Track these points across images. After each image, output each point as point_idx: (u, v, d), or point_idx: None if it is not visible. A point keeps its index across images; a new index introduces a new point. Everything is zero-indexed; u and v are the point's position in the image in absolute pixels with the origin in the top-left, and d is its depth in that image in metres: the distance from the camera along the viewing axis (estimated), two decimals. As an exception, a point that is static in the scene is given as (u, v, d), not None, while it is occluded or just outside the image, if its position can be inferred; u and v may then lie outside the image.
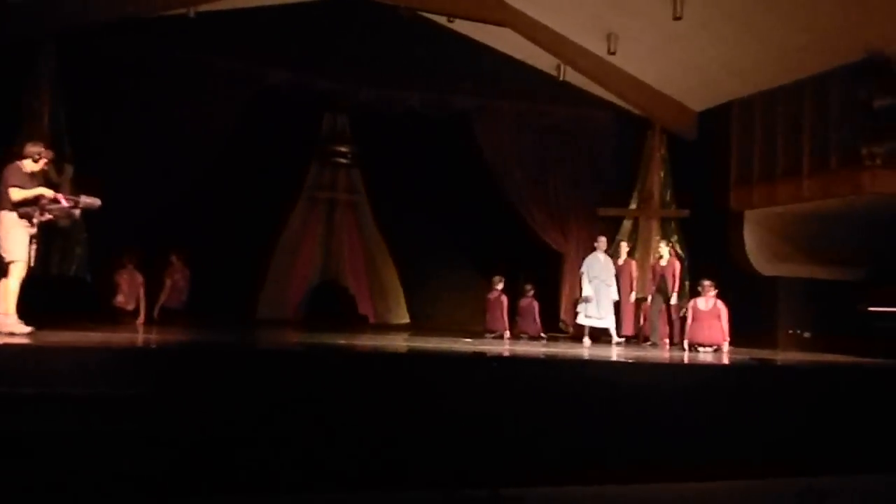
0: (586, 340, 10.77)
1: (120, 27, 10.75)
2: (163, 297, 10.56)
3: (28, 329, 6.50)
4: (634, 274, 11.67)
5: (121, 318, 9.82)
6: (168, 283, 10.63)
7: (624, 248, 11.99)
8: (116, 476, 4.69)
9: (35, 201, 6.59)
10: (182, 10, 10.81)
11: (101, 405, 5.13)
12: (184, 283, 10.83)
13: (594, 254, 11.18)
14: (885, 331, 10.15)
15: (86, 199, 6.78)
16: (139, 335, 8.13)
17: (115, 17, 10.66)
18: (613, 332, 11.00)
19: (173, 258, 10.77)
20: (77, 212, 6.86)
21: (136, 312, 10.09)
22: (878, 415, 6.97)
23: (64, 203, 6.70)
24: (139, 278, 10.21)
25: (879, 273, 10.91)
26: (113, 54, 10.87)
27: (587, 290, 10.93)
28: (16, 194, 6.50)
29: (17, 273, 6.54)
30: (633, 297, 11.77)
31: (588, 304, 10.89)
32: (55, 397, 5.10)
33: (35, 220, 6.63)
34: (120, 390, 5.25)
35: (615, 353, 9.24)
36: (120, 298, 10.06)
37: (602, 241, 11.35)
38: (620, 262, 11.59)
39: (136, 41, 11.00)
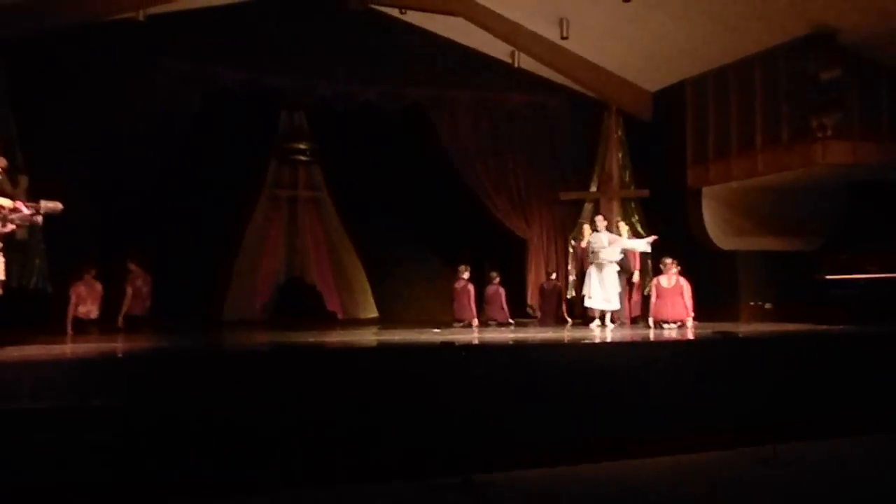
0: (593, 324, 10.44)
1: (69, 33, 10.58)
2: (125, 305, 10.44)
3: None
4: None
5: (85, 329, 9.71)
6: (129, 290, 10.51)
7: (587, 230, 11.83)
8: (87, 485, 4.67)
9: None
10: (131, 14, 10.68)
11: (70, 417, 5.09)
12: (146, 290, 10.71)
13: (594, 234, 10.83)
14: (841, 297, 10.41)
15: (47, 205, 6.58)
16: (105, 345, 8.04)
17: (64, 22, 10.49)
18: (608, 315, 10.39)
19: (132, 265, 10.65)
20: (39, 218, 6.67)
21: (98, 322, 9.96)
22: (837, 380, 7.17)
23: (25, 211, 6.47)
24: (98, 287, 10.08)
25: (833, 241, 11.16)
26: (63, 60, 10.70)
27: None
28: None
29: None
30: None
31: (591, 286, 10.41)
32: (22, 412, 5.05)
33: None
34: (88, 401, 5.21)
35: (580, 335, 9.32)
36: (82, 309, 9.92)
37: (600, 220, 10.96)
38: (583, 244, 11.53)
39: (87, 47, 10.83)
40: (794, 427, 6.41)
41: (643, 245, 10.83)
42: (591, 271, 10.50)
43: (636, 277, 11.19)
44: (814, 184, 11.19)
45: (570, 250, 13.07)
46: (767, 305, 12.00)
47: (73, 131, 10.65)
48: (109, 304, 10.22)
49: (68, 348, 7.50)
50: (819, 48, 10.32)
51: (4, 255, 6.65)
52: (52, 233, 9.86)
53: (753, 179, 11.39)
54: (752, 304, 12.04)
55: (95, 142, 10.76)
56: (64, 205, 6.76)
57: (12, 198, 6.58)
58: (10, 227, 6.52)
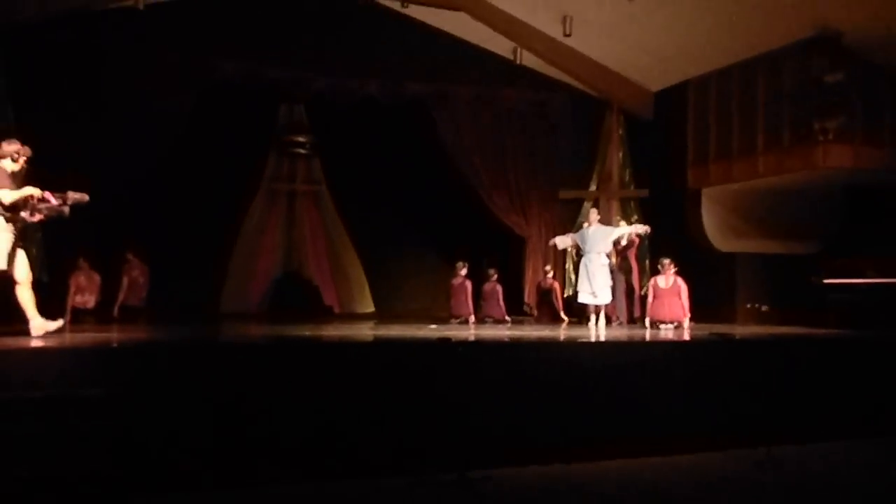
0: (591, 321, 10.19)
1: (69, 20, 10.52)
2: (121, 296, 10.43)
3: (59, 322, 6.59)
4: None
5: (81, 318, 9.69)
6: (125, 280, 10.51)
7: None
8: (81, 478, 4.65)
9: (24, 202, 6.30)
10: (131, 2, 10.62)
11: (64, 407, 5.07)
12: (143, 280, 10.71)
13: (586, 228, 10.48)
14: (839, 302, 10.40)
15: (74, 196, 6.50)
16: (101, 334, 8.02)
17: (64, 9, 10.44)
18: (603, 312, 10.18)
19: (129, 255, 10.64)
20: (66, 209, 6.59)
21: (95, 311, 9.96)
22: (832, 384, 7.16)
23: (53, 201, 6.40)
24: (96, 277, 10.07)
25: (832, 246, 11.14)
26: (62, 48, 10.65)
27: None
28: (7, 197, 6.18)
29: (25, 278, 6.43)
30: None
31: (582, 281, 10.19)
32: (14, 401, 5.02)
33: (24, 223, 6.39)
34: (84, 391, 5.19)
35: (577, 333, 9.27)
36: (79, 298, 9.91)
37: (594, 214, 10.67)
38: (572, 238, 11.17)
39: (86, 34, 10.78)
40: (788, 430, 6.41)
41: (637, 228, 10.68)
42: (581, 265, 10.32)
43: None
44: (813, 187, 11.18)
45: (569, 249, 12.99)
46: (764, 308, 11.98)
47: (70, 119, 10.60)
48: (106, 294, 10.20)
49: (64, 338, 7.47)
50: (823, 50, 10.29)
51: (24, 246, 6.63)
52: (48, 223, 9.82)
53: (753, 181, 11.37)
54: (748, 306, 12.03)
55: (93, 130, 10.72)
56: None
57: (40, 188, 6.51)
58: (38, 216, 6.47)
